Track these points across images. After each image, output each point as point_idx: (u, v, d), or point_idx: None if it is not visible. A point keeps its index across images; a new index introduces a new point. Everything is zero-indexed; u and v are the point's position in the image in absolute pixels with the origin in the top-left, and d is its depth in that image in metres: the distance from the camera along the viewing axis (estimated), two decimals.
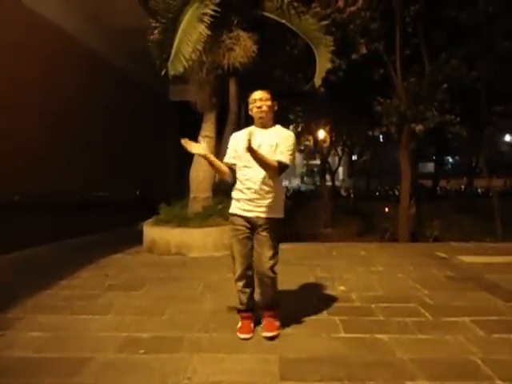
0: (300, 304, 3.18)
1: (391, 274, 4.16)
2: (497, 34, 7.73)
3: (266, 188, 2.49)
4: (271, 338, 2.51)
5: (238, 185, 2.58)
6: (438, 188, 21.43)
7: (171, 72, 4.76)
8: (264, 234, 2.50)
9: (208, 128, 6.08)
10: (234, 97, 8.76)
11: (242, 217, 2.53)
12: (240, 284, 2.61)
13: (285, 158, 2.45)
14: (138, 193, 10.62)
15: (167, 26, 4.96)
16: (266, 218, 2.49)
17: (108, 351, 2.38)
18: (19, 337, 2.60)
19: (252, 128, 2.59)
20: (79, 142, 7.93)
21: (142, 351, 2.38)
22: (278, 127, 2.62)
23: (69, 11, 7.59)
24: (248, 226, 2.53)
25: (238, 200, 2.57)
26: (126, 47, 9.46)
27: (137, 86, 10.87)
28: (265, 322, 2.63)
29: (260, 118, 2.53)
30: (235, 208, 2.58)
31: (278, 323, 2.64)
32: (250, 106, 2.56)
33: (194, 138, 6.38)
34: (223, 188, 6.92)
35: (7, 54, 5.98)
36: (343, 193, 24.52)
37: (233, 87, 8.64)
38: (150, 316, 2.97)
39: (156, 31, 5.10)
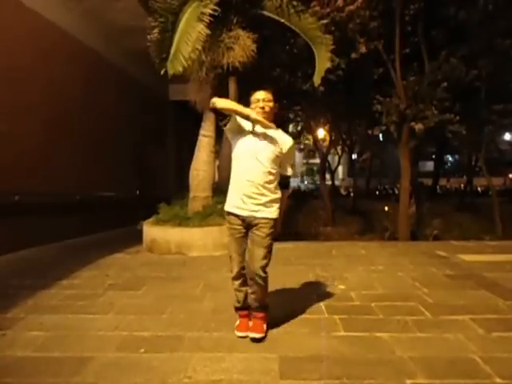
0: (300, 303, 3.18)
1: (391, 272, 4.16)
2: (497, 32, 7.73)
3: (264, 186, 2.47)
4: (257, 340, 2.48)
5: (235, 182, 2.57)
6: (437, 187, 21.41)
7: (170, 71, 4.76)
8: (258, 233, 2.50)
9: (207, 127, 6.07)
10: (233, 96, 8.75)
11: (237, 215, 2.53)
12: (236, 283, 2.63)
13: (289, 172, 2.67)
14: (137, 192, 10.62)
15: (166, 25, 4.94)
16: (261, 218, 2.49)
17: (108, 350, 2.39)
18: (20, 336, 2.61)
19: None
20: (79, 141, 7.93)
21: (143, 350, 2.39)
22: (280, 130, 2.62)
23: (66, 10, 7.58)
24: (243, 224, 2.53)
25: (233, 197, 2.56)
26: (125, 46, 9.45)
27: (137, 85, 10.87)
28: (253, 323, 2.60)
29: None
30: (231, 206, 2.58)
31: (265, 326, 2.60)
32: (253, 106, 2.54)
33: (194, 138, 6.42)
34: (223, 188, 6.92)
35: (7, 55, 5.97)
36: (343, 192, 24.47)
37: (232, 86, 8.63)
38: (151, 315, 2.98)
39: (155, 30, 5.09)
